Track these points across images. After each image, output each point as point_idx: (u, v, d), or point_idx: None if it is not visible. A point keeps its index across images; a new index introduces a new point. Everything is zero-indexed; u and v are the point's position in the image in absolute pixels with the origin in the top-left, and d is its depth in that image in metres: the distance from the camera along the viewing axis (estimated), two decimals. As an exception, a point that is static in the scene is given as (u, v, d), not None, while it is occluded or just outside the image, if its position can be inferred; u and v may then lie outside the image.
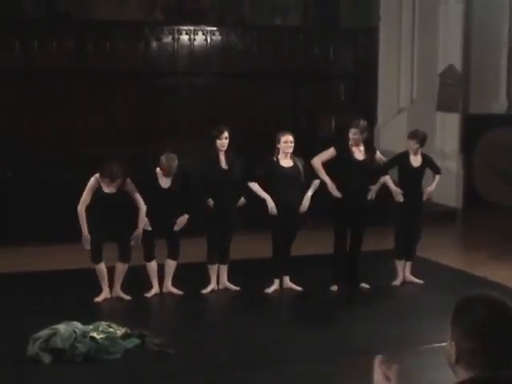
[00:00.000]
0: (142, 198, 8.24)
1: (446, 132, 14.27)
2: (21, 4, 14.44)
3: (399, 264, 9.04)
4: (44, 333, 6.46)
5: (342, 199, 8.61)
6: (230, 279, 8.68)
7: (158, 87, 14.14)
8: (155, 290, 8.48)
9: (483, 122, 14.33)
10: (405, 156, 9.03)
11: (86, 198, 8.15)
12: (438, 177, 9.19)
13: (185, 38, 14.19)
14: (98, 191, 8.14)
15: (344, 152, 8.70)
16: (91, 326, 6.72)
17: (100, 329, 6.68)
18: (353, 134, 8.71)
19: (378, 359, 2.61)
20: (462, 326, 2.25)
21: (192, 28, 14.22)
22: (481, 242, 11.72)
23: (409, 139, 9.03)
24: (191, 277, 8.67)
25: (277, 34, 15.00)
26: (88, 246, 8.16)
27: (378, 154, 9.07)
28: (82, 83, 13.73)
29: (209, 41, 14.31)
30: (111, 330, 6.71)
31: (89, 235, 8.08)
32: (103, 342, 6.50)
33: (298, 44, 14.92)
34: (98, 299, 8.20)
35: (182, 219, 8.41)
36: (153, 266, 8.46)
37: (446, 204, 13.24)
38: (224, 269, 8.69)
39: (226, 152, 8.58)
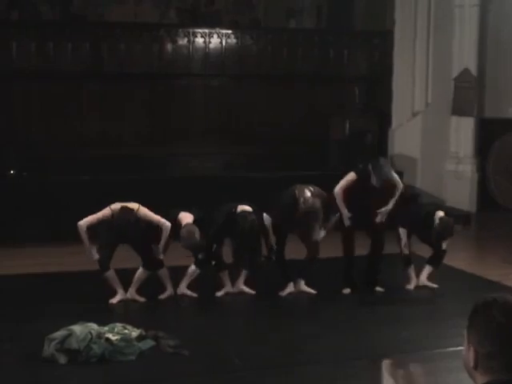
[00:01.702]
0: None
1: (461, 136, 14.26)
2: (36, 6, 14.52)
3: (411, 268, 9.04)
4: (59, 334, 6.48)
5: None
6: (245, 282, 8.70)
7: (172, 89, 14.19)
8: (169, 291, 8.51)
9: (498, 126, 14.31)
10: None
11: (93, 222, 8.05)
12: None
13: (200, 40, 14.23)
14: (109, 222, 8.08)
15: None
16: (106, 328, 6.74)
17: (115, 330, 6.70)
18: None
19: (385, 364, 2.61)
20: (479, 329, 2.25)
21: (207, 31, 14.26)
22: (494, 246, 11.70)
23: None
24: (206, 279, 8.69)
25: (291, 36, 15.01)
26: (96, 257, 8.18)
27: None
28: (97, 85, 13.80)
29: (223, 43, 14.34)
30: (126, 331, 6.73)
31: (93, 247, 8.11)
32: (118, 343, 6.52)
33: (313, 47, 14.93)
34: (114, 301, 8.23)
35: None
36: (163, 271, 8.47)
37: (460, 208, 13.22)
38: (243, 273, 8.71)
39: None
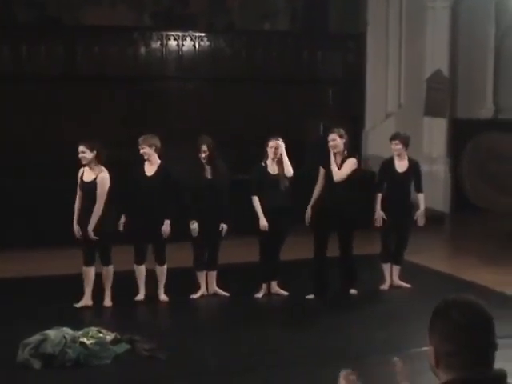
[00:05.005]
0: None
1: (434, 136, 14.36)
2: (10, 8, 14.44)
3: (386, 268, 9.10)
4: (34, 338, 6.47)
5: (322, 209, 8.69)
6: (219, 284, 8.72)
7: (146, 92, 14.17)
8: (142, 294, 8.48)
9: (470, 127, 14.43)
10: (389, 162, 9.08)
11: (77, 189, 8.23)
12: (421, 196, 9.14)
13: (173, 43, 14.25)
14: (80, 182, 8.24)
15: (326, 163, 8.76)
16: (81, 332, 6.73)
17: (90, 334, 6.69)
18: (331, 139, 8.74)
19: (342, 374, 2.69)
20: (439, 329, 2.33)
21: (180, 34, 14.27)
22: (468, 246, 11.80)
23: (390, 141, 9.03)
24: (180, 282, 8.70)
25: (265, 38, 15.06)
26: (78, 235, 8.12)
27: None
28: (71, 88, 13.74)
29: (197, 46, 14.36)
30: (101, 335, 6.73)
31: (77, 226, 8.07)
32: (93, 347, 6.51)
33: (287, 49, 14.98)
34: (78, 305, 8.13)
35: (165, 228, 8.34)
36: (141, 269, 8.45)
37: (433, 208, 13.30)
38: (212, 275, 8.72)
39: (210, 162, 8.56)
